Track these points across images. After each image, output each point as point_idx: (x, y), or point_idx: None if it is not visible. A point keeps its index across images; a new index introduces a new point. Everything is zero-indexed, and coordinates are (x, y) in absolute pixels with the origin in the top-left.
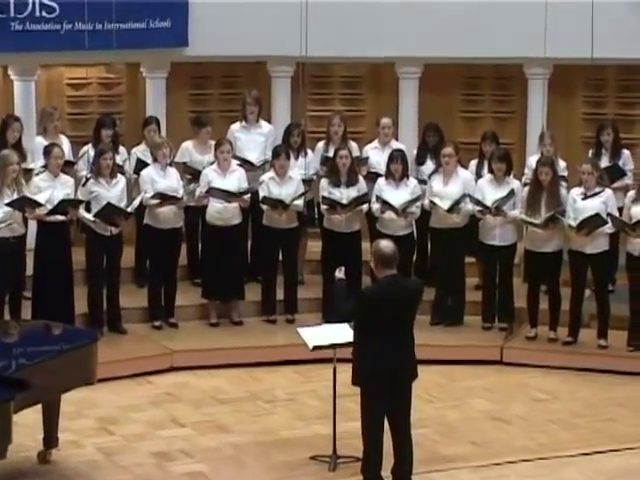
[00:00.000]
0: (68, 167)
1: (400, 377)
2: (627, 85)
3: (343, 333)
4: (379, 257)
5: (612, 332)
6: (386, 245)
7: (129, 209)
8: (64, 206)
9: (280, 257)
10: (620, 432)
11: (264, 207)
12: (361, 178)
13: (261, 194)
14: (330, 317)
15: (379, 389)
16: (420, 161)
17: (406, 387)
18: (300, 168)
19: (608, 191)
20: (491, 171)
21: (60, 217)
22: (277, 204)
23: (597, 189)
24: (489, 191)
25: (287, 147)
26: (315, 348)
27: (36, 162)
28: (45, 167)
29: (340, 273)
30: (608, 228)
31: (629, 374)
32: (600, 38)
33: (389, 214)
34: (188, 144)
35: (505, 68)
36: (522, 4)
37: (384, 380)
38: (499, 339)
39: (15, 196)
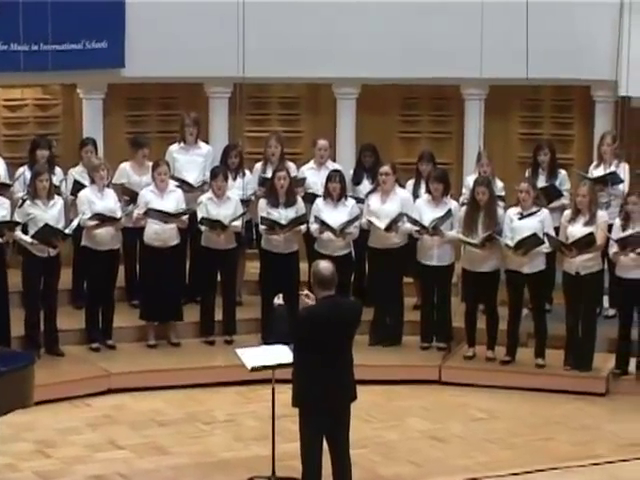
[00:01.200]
0: (4, 189)
1: (338, 398)
2: (563, 105)
3: (282, 354)
4: (318, 278)
5: (549, 351)
6: (325, 266)
7: (67, 230)
8: (0, 228)
9: (219, 278)
10: (558, 450)
11: (202, 228)
12: (299, 198)
13: (199, 215)
14: (269, 338)
15: (317, 410)
16: (357, 181)
17: (344, 408)
18: (238, 189)
19: (545, 211)
20: (428, 191)
21: None
22: (215, 225)
23: (534, 209)
24: (426, 211)
25: (225, 168)
26: (254, 369)
27: None
28: None
29: (279, 300)
30: (545, 248)
31: (566, 392)
32: (535, 58)
33: (327, 234)
34: (126, 165)
35: (442, 89)
36: (458, 25)
37: (322, 401)
38: (437, 359)
39: None
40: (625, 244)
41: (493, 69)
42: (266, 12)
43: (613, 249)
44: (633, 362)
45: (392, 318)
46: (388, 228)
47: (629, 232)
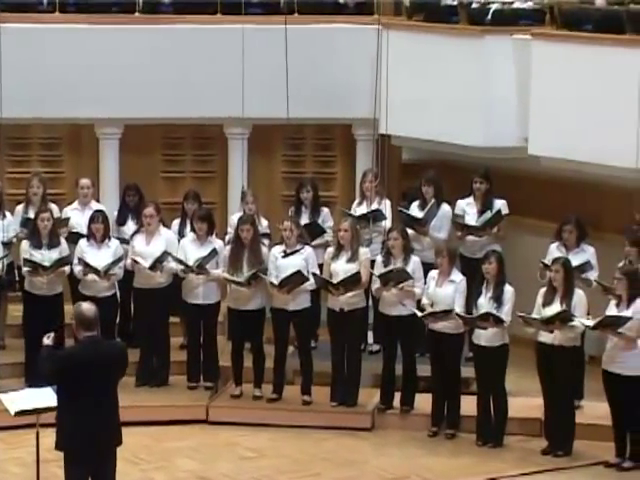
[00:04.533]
0: None
1: (103, 442)
2: (324, 144)
3: (46, 397)
4: (80, 319)
5: (315, 388)
6: (87, 307)
7: None
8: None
9: None
10: None
11: None
12: (63, 240)
13: None
14: (34, 380)
15: (79, 454)
16: (121, 221)
17: (109, 451)
18: None
19: (308, 248)
20: (193, 230)
21: None
22: None
23: (298, 246)
24: (192, 250)
25: None
26: (18, 414)
27: None
28: None
29: (48, 339)
30: (309, 285)
31: (333, 429)
32: (296, 98)
33: (91, 276)
34: None
35: (205, 128)
36: (220, 65)
37: (84, 444)
38: (204, 398)
39: None
40: (387, 280)
41: (255, 109)
42: (23, 49)
43: (376, 285)
44: (397, 397)
45: (158, 358)
46: (153, 267)
47: (390, 267)
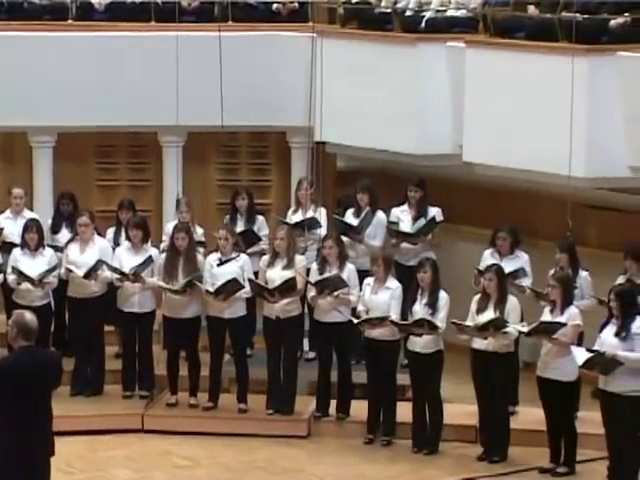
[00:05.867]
0: None
1: (36, 454)
2: (259, 152)
3: None
4: (21, 329)
5: (252, 396)
6: (30, 318)
7: None
8: None
9: None
10: None
11: None
12: None
13: None
14: None
15: (14, 468)
16: (55, 230)
17: (43, 463)
18: None
19: (244, 256)
20: (129, 239)
21: None
22: None
23: (233, 254)
24: (127, 258)
25: None
26: None
27: None
28: None
29: None
30: (245, 293)
31: (269, 437)
32: (230, 106)
33: (25, 285)
34: None
35: (140, 136)
36: (154, 72)
37: (19, 459)
38: (140, 407)
39: None
40: (322, 287)
41: (189, 117)
42: None
43: (311, 293)
44: (333, 404)
45: (93, 367)
46: (87, 276)
47: (326, 275)
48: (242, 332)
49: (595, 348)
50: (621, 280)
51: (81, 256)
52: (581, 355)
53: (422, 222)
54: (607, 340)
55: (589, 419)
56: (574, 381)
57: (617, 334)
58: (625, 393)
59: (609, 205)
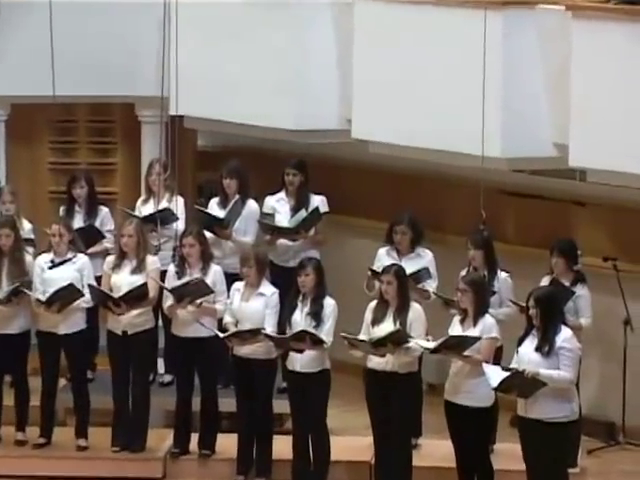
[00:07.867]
0: None
1: None
2: (101, 128)
3: None
4: None
5: (93, 429)
6: None
7: None
8: None
9: None
10: None
11: None
12: None
13: None
14: None
15: None
16: None
17: None
18: None
19: (82, 257)
20: None
21: None
22: None
23: (69, 255)
24: None
25: None
26: None
27: None
28: None
29: None
30: (84, 302)
31: (117, 479)
32: (65, 72)
33: None
34: None
35: None
36: None
37: None
38: None
39: None
40: (182, 294)
41: (13, 86)
42: None
43: (168, 301)
44: (195, 438)
45: None
46: None
47: (186, 279)
48: (81, 351)
49: (512, 366)
50: (546, 281)
51: None
52: (496, 375)
53: (303, 214)
54: (526, 356)
55: (508, 452)
56: (489, 407)
57: (538, 348)
58: (549, 419)
59: (531, 192)
